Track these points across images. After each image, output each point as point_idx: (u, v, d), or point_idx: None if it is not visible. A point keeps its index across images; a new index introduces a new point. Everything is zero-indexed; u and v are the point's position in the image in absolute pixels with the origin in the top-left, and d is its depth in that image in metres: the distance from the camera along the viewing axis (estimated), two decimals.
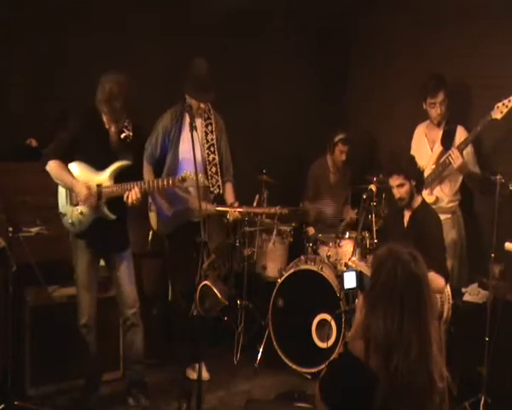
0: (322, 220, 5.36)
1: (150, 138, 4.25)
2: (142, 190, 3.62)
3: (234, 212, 4.29)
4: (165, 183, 3.73)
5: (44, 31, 4.31)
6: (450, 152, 4.29)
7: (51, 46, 4.34)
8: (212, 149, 4.30)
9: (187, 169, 4.11)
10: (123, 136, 3.67)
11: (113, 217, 3.68)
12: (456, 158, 4.24)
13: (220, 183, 4.32)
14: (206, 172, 4.27)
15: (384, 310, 2.05)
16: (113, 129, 3.61)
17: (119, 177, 3.65)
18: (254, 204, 4.52)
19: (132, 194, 3.59)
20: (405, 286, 2.06)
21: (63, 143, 3.64)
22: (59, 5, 4.35)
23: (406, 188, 3.89)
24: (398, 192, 3.91)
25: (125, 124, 3.67)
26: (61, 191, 3.71)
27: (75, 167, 3.64)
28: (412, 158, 4.06)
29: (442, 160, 4.40)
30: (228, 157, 4.44)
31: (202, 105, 4.20)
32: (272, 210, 4.52)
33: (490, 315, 3.77)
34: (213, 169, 4.31)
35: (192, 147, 3.50)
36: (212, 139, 4.32)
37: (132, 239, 3.92)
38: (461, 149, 4.26)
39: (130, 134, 3.67)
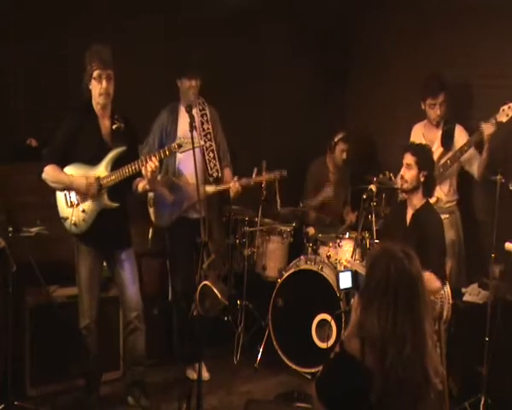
0: (322, 219, 5.37)
1: (147, 139, 4.28)
2: (139, 168, 3.59)
3: (234, 185, 4.28)
4: (161, 153, 3.66)
5: (44, 30, 4.30)
6: (480, 125, 4.15)
7: (51, 46, 4.33)
8: (208, 136, 4.36)
9: (185, 161, 4.14)
10: (114, 127, 3.69)
11: (115, 205, 3.68)
12: (488, 127, 4.09)
13: (219, 166, 4.37)
14: (204, 158, 4.31)
15: (378, 307, 2.06)
16: (103, 87, 3.58)
17: (115, 166, 3.65)
18: (253, 176, 4.49)
19: (150, 164, 3.56)
20: (399, 283, 2.08)
21: (57, 147, 3.64)
22: (58, 5, 4.35)
23: (413, 173, 3.79)
24: (404, 172, 3.84)
25: (116, 117, 3.69)
26: (60, 196, 3.71)
27: (70, 170, 3.64)
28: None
29: (443, 161, 4.39)
30: (224, 145, 4.50)
31: (194, 83, 4.21)
32: (272, 176, 4.51)
33: (490, 315, 3.77)
34: (211, 154, 4.38)
35: (192, 145, 3.50)
36: (207, 128, 4.38)
37: (132, 238, 3.92)
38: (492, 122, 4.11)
39: (122, 125, 3.69)
